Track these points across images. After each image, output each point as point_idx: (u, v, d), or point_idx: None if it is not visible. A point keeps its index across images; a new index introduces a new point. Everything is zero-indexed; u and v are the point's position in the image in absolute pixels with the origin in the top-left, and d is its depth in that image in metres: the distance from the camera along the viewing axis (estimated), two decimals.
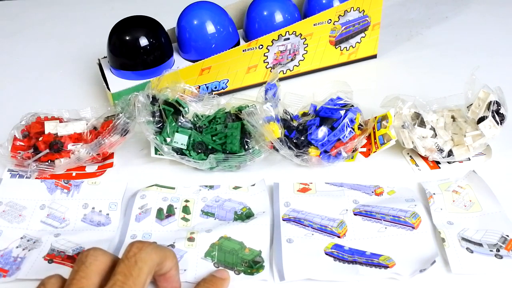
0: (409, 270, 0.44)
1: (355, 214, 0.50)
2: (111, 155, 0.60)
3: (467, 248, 0.46)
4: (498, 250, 0.46)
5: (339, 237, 0.48)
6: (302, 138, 0.57)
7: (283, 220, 0.50)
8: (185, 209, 0.52)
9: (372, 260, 0.45)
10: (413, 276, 0.44)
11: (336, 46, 0.74)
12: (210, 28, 0.67)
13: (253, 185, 0.55)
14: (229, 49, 0.68)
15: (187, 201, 0.53)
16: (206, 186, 0.55)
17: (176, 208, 0.52)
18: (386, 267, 0.45)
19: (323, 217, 0.50)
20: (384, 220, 0.49)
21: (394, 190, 0.54)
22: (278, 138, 0.54)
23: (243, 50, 0.68)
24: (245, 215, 0.51)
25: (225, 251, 0.47)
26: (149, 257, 0.37)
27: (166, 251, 0.40)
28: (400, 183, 0.55)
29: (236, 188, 0.54)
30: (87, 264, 0.37)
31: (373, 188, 0.54)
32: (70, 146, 0.58)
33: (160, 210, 0.52)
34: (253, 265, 0.46)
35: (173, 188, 0.55)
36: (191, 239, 0.48)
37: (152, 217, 0.51)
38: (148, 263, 0.37)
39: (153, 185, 0.55)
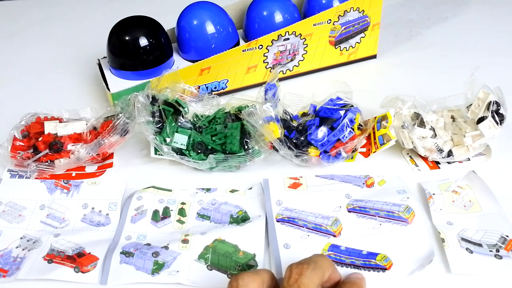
0: (406, 271, 0.45)
1: (349, 211, 0.50)
2: (110, 155, 0.60)
3: (466, 249, 0.46)
4: (497, 251, 0.46)
5: (334, 236, 0.48)
6: (302, 138, 0.57)
7: (277, 221, 0.50)
8: (181, 212, 0.52)
9: (369, 262, 0.45)
10: (411, 275, 0.44)
11: (336, 46, 0.74)
12: (210, 28, 0.67)
13: (250, 188, 0.55)
14: (229, 49, 0.68)
15: (183, 203, 0.53)
16: (203, 189, 0.55)
17: (172, 210, 0.52)
18: (384, 269, 0.45)
19: (316, 215, 0.50)
20: (378, 216, 0.50)
21: (385, 180, 0.54)
22: (277, 138, 0.54)
23: (243, 50, 0.68)
24: (241, 219, 0.51)
25: (219, 254, 0.47)
26: (311, 281, 0.36)
27: (323, 265, 0.38)
28: None
29: (233, 191, 0.54)
30: None
31: (363, 179, 0.54)
32: (70, 146, 0.58)
33: (155, 212, 0.52)
34: (246, 269, 0.46)
35: (170, 191, 0.55)
36: (185, 241, 0.48)
37: (148, 219, 0.51)
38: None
39: (150, 187, 0.55)
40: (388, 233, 0.48)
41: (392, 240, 0.47)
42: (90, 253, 0.47)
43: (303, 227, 0.49)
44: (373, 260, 0.45)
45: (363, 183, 0.54)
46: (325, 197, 0.52)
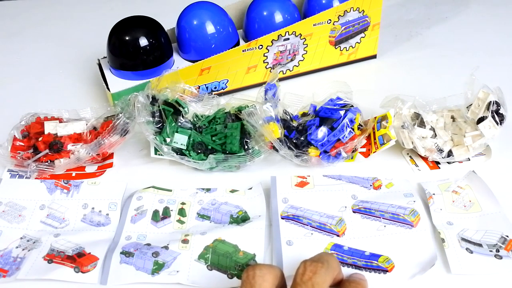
0: (408, 274, 0.44)
1: (354, 212, 0.50)
2: (110, 155, 0.60)
3: (466, 249, 0.46)
4: (497, 251, 0.46)
5: (338, 235, 0.48)
6: (302, 138, 0.57)
7: (282, 218, 0.50)
8: (181, 212, 0.52)
9: (371, 263, 0.45)
10: (412, 279, 0.44)
11: (336, 46, 0.74)
12: (210, 28, 0.67)
13: (250, 188, 0.55)
14: (228, 49, 0.68)
15: (183, 203, 0.53)
16: (203, 189, 0.55)
17: (172, 210, 0.52)
18: (385, 271, 0.45)
19: (321, 214, 0.50)
20: (383, 218, 0.49)
21: (392, 183, 0.54)
22: (277, 138, 0.54)
23: (243, 50, 0.68)
24: (241, 219, 0.51)
25: (219, 254, 0.47)
26: (323, 280, 0.37)
27: (334, 266, 0.39)
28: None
29: (233, 191, 0.54)
30: (257, 287, 0.37)
31: (371, 181, 0.54)
32: (69, 147, 0.58)
33: (155, 212, 0.52)
34: None
35: (170, 191, 0.55)
36: (185, 241, 0.48)
37: (148, 219, 0.51)
38: (323, 287, 0.37)
39: (150, 187, 0.55)
40: (392, 236, 0.48)
41: (396, 243, 0.47)
42: (90, 253, 0.47)
43: (307, 225, 0.49)
44: (375, 262, 0.45)
45: (371, 185, 0.54)
46: (331, 197, 0.52)
